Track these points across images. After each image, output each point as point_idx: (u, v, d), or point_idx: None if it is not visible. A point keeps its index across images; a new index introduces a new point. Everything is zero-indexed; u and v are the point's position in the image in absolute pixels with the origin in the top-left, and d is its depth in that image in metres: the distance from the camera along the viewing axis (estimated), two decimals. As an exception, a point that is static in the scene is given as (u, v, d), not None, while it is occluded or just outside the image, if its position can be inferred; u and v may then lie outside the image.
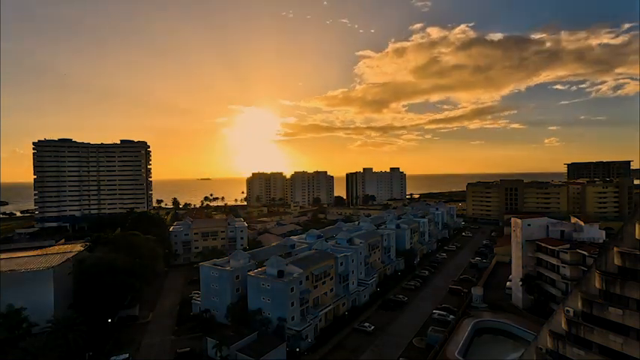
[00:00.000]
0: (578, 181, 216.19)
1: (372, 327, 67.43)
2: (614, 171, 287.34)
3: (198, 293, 77.19)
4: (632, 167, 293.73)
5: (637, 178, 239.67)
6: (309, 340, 61.45)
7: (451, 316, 70.21)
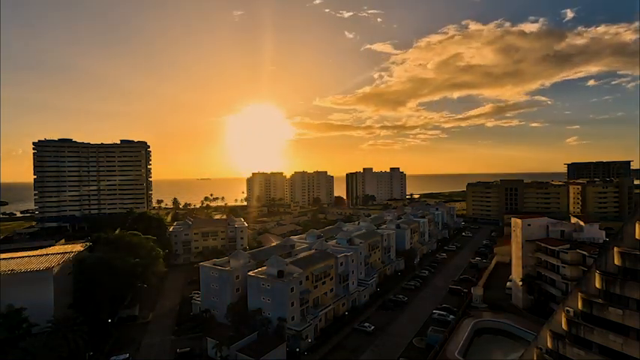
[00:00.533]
0: (578, 181, 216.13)
1: (372, 327, 67.43)
2: (614, 171, 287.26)
3: (198, 293, 77.16)
4: (632, 167, 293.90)
5: (637, 178, 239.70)
6: (309, 340, 61.45)
7: (451, 316, 70.22)
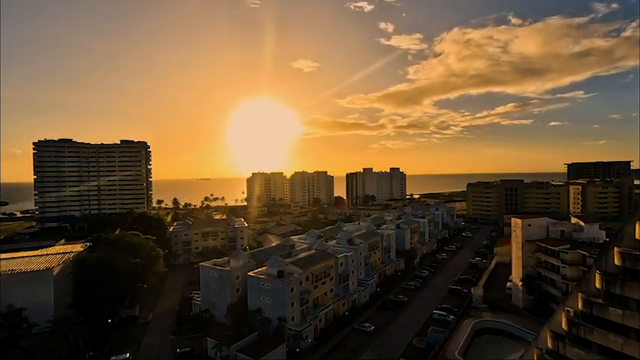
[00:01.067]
0: (579, 181, 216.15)
1: (372, 327, 67.43)
2: (614, 171, 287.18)
3: (198, 293, 77.15)
4: (632, 167, 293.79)
5: (637, 178, 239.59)
6: (309, 341, 61.45)
7: (451, 317, 70.20)
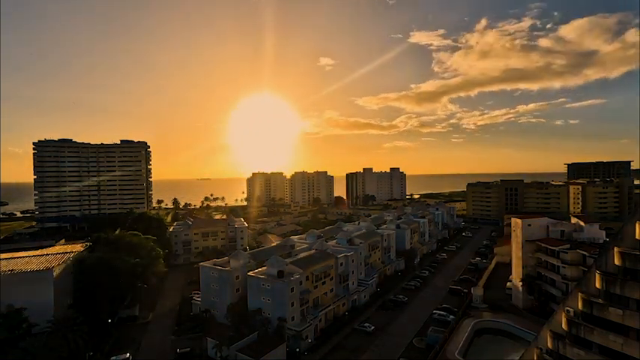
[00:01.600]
0: (579, 181, 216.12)
1: (372, 327, 67.44)
2: (614, 171, 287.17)
3: (198, 293, 77.17)
4: (632, 167, 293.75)
5: (637, 178, 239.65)
6: (309, 341, 61.46)
7: (451, 317, 70.21)
